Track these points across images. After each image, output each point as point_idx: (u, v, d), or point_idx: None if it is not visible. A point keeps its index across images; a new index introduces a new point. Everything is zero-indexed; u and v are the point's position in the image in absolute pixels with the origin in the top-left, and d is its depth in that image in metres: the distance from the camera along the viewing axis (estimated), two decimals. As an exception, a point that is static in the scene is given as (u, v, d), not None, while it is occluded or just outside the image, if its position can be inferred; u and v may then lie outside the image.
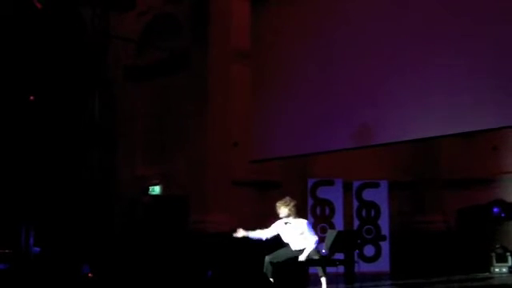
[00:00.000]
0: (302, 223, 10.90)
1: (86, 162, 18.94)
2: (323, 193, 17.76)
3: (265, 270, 10.86)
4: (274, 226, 11.14)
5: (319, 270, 10.88)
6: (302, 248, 10.82)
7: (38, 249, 15.05)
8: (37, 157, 17.17)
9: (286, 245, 11.22)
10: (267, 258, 10.81)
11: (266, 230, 11.10)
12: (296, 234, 10.84)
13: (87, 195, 18.06)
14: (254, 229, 16.50)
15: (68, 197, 17.71)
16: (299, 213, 17.56)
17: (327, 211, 17.73)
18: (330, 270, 12.64)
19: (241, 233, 10.95)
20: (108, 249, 16.66)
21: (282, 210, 10.86)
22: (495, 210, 17.25)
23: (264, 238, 11.01)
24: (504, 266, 16.16)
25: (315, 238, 10.85)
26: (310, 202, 17.74)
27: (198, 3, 18.82)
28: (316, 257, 10.76)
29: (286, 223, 10.83)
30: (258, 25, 17.40)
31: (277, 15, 16.85)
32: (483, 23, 13.09)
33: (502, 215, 17.16)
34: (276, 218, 11.30)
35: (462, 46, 13.34)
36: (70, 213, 17.34)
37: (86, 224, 17.27)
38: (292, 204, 10.93)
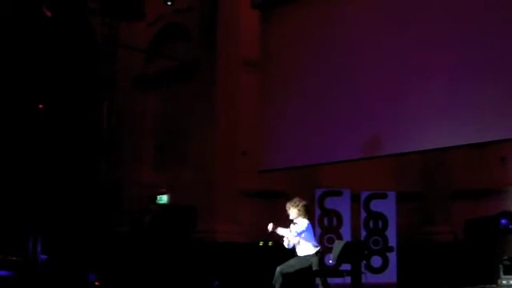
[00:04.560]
0: (303, 225, 10.72)
1: (94, 170, 18.98)
2: (331, 203, 17.73)
3: (274, 281, 10.79)
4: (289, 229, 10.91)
5: (320, 282, 10.73)
6: (304, 254, 10.72)
7: (45, 256, 15.05)
8: (45, 165, 17.18)
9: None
10: (278, 269, 10.73)
11: (287, 232, 10.79)
12: (297, 236, 10.69)
13: (95, 203, 18.09)
14: (261, 239, 16.59)
15: (75, 205, 17.74)
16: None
17: (335, 222, 17.70)
18: (336, 280, 12.61)
19: (271, 226, 10.68)
20: (115, 257, 16.67)
21: (292, 211, 10.75)
22: (503, 221, 17.14)
23: (286, 243, 10.74)
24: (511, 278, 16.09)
25: (314, 249, 10.69)
26: (318, 212, 17.72)
27: (207, 13, 18.89)
28: (316, 267, 10.63)
29: (293, 223, 10.74)
30: (266, 34, 17.44)
31: (285, 24, 16.88)
32: (491, 33, 13.08)
33: (510, 227, 17.06)
34: (284, 225, 11.20)
35: (471, 56, 13.33)
36: (78, 221, 17.36)
37: (94, 232, 17.28)
38: (301, 204, 10.78)
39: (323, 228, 17.66)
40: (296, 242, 10.71)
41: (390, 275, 17.27)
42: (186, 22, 19.66)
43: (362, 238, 17.54)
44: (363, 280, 13.98)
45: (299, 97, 16.25)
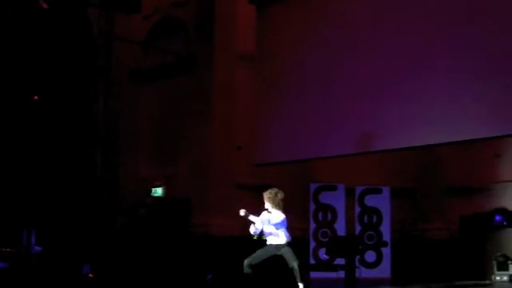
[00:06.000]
0: (279, 217, 10.77)
1: (90, 163, 18.98)
2: (325, 198, 17.77)
3: (244, 273, 10.80)
4: (260, 216, 10.98)
5: (297, 276, 10.69)
6: (276, 243, 10.72)
7: (39, 248, 15.06)
8: (40, 157, 17.19)
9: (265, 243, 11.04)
10: (246, 262, 10.76)
11: (257, 220, 10.89)
12: (272, 226, 10.73)
13: (90, 196, 18.08)
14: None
15: (70, 197, 17.73)
16: (302, 216, 17.66)
17: (329, 216, 17.74)
18: (330, 275, 12.64)
19: (243, 212, 10.74)
20: (109, 250, 16.67)
21: (268, 201, 10.81)
22: (497, 217, 17.21)
23: (253, 230, 10.81)
24: (505, 275, 16.15)
25: (285, 239, 10.72)
26: (313, 206, 17.75)
27: (204, 7, 18.87)
28: (295, 264, 10.60)
29: (268, 212, 10.77)
30: (263, 29, 17.42)
31: (282, 19, 16.87)
32: (488, 33, 13.08)
33: (504, 223, 17.13)
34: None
35: (465, 53, 13.32)
36: (72, 213, 17.36)
37: (88, 224, 17.28)
38: (278, 195, 10.82)
39: (318, 222, 17.69)
40: (267, 231, 10.73)
41: (384, 270, 17.33)
42: (182, 16, 19.60)
43: (357, 233, 17.58)
44: (357, 275, 14.03)
45: (295, 91, 16.23)
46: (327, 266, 13.67)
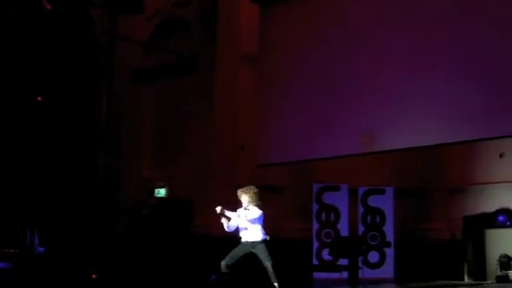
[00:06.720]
0: (256, 213, 10.79)
1: (92, 164, 18.97)
2: (329, 198, 17.75)
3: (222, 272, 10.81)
4: (236, 213, 11.00)
5: (272, 275, 10.70)
6: (252, 240, 10.74)
7: (42, 249, 15.07)
8: (43, 158, 17.19)
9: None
10: (223, 263, 10.78)
11: (234, 215, 10.90)
12: (249, 222, 10.75)
13: (93, 196, 18.08)
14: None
15: (73, 198, 17.73)
16: (305, 216, 17.61)
17: (332, 217, 17.73)
18: (334, 275, 12.62)
19: (219, 209, 10.78)
20: (112, 250, 16.67)
21: (243, 198, 10.82)
22: (500, 218, 17.20)
23: (226, 225, 10.82)
24: (508, 275, 16.13)
25: (262, 236, 10.73)
26: (316, 207, 17.73)
27: (206, 7, 18.86)
28: (268, 264, 10.61)
29: (245, 209, 10.79)
30: (265, 29, 17.41)
31: (284, 19, 16.86)
32: (487, 31, 13.08)
33: (507, 223, 17.12)
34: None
35: (466, 53, 13.33)
36: (75, 214, 17.36)
37: (91, 225, 17.28)
38: (253, 192, 10.85)
39: (321, 223, 17.67)
40: (243, 226, 10.74)
41: (388, 270, 17.30)
42: (185, 16, 19.62)
43: (360, 233, 17.56)
44: (360, 275, 14.05)
45: (298, 92, 16.23)
46: (330, 266, 13.66)
